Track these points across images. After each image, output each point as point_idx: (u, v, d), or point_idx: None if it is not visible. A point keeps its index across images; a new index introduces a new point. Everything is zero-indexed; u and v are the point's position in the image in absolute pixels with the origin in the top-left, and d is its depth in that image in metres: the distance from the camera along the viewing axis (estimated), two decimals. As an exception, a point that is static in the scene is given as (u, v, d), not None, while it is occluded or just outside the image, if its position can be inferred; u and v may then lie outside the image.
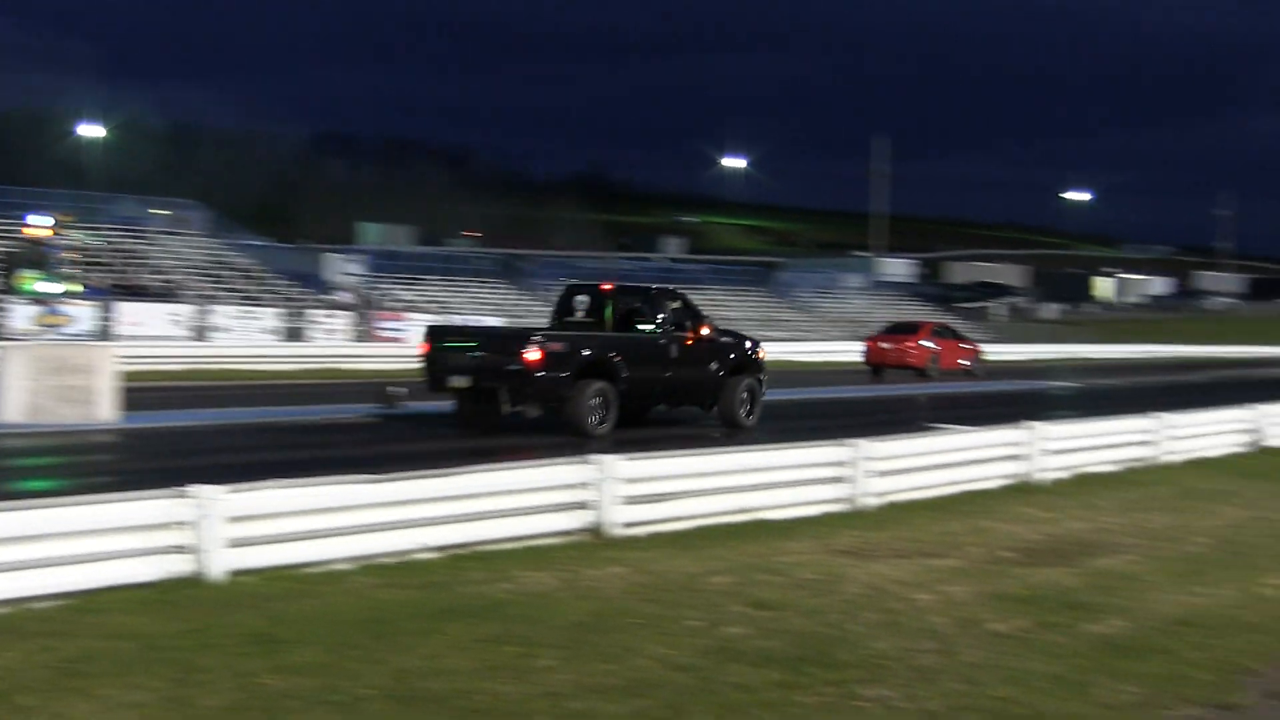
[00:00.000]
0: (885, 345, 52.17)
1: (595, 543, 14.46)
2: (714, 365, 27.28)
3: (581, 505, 14.82)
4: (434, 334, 26.46)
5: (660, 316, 26.84)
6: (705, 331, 27.29)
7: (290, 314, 54.17)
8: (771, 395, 29.49)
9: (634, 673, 9.41)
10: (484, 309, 64.57)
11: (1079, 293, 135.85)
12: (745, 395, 27.68)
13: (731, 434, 26.61)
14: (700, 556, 13.74)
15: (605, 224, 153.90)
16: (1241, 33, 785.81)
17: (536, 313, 66.29)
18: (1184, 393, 43.56)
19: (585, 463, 14.93)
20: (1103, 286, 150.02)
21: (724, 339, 28.07)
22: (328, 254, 68.61)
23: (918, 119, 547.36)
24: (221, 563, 11.82)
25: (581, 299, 27.58)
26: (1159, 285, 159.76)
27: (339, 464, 16.34)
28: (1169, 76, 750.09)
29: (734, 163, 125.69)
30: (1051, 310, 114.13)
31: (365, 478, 13.35)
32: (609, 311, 27.05)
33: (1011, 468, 20.81)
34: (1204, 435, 26.18)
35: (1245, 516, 18.20)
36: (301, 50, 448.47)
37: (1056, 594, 12.58)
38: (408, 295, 64.55)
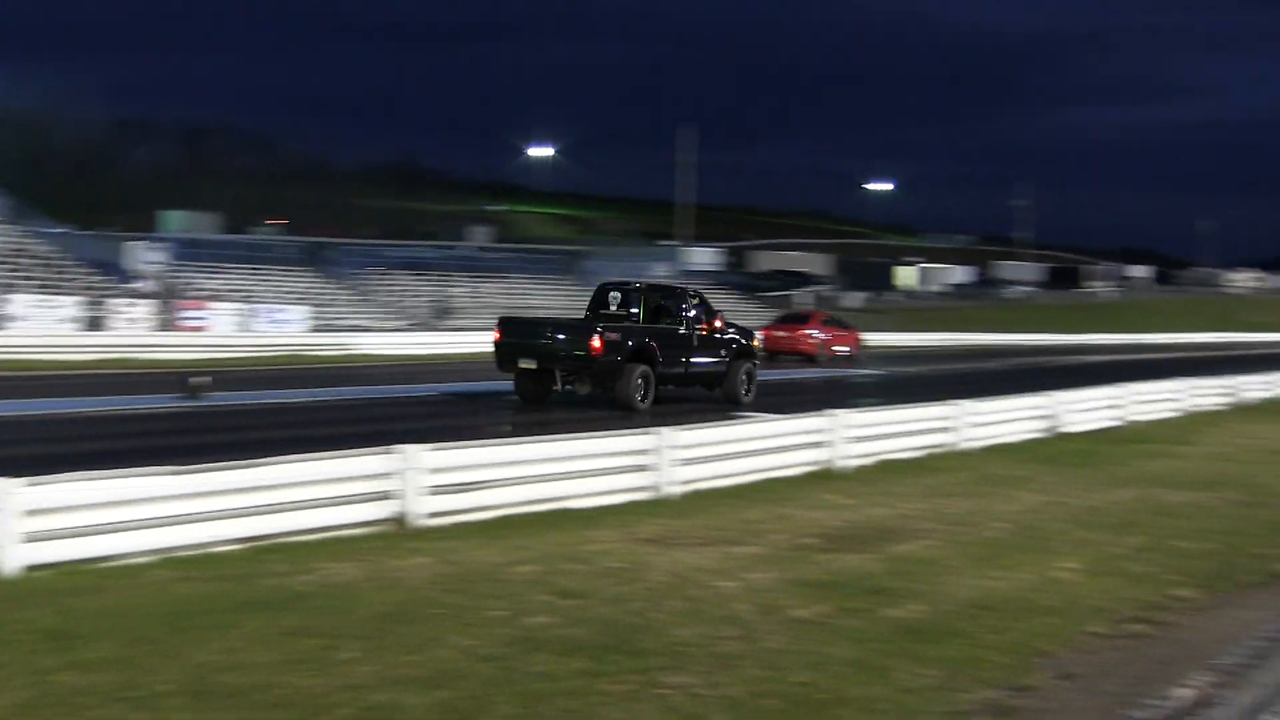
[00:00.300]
0: (780, 334, 56.93)
1: (400, 533, 14.37)
2: (723, 352, 32.24)
3: (385, 495, 14.72)
4: (506, 324, 30.91)
5: (683, 311, 31.51)
6: (717, 324, 32.13)
7: (91, 303, 53.00)
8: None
9: (437, 664, 9.36)
10: (288, 297, 63.75)
11: (882, 281, 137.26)
12: (744, 377, 32.70)
13: (731, 409, 30.38)
14: (505, 546, 13.71)
15: (413, 212, 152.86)
16: (1041, 27, 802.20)
17: (342, 301, 65.75)
18: (984, 380, 44.48)
19: (389, 453, 14.83)
20: (905, 275, 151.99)
21: (730, 331, 32.76)
22: (129, 242, 67.16)
23: (725, 109, 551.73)
24: (16, 558, 11.55)
25: (615, 295, 32.18)
26: (960, 274, 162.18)
27: (139, 455, 16.02)
28: (971, 69, 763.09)
29: (541, 151, 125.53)
30: (855, 299, 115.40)
31: (165, 469, 13.10)
32: (641, 307, 31.66)
33: (814, 455, 21.06)
34: (1003, 422, 26.71)
35: (1041, 501, 18.59)
36: (101, 32, 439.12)
37: (857, 580, 12.74)
38: (211, 284, 63.54)
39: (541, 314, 54.42)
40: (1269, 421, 33.06)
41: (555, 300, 73.47)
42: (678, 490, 17.85)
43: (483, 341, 33.87)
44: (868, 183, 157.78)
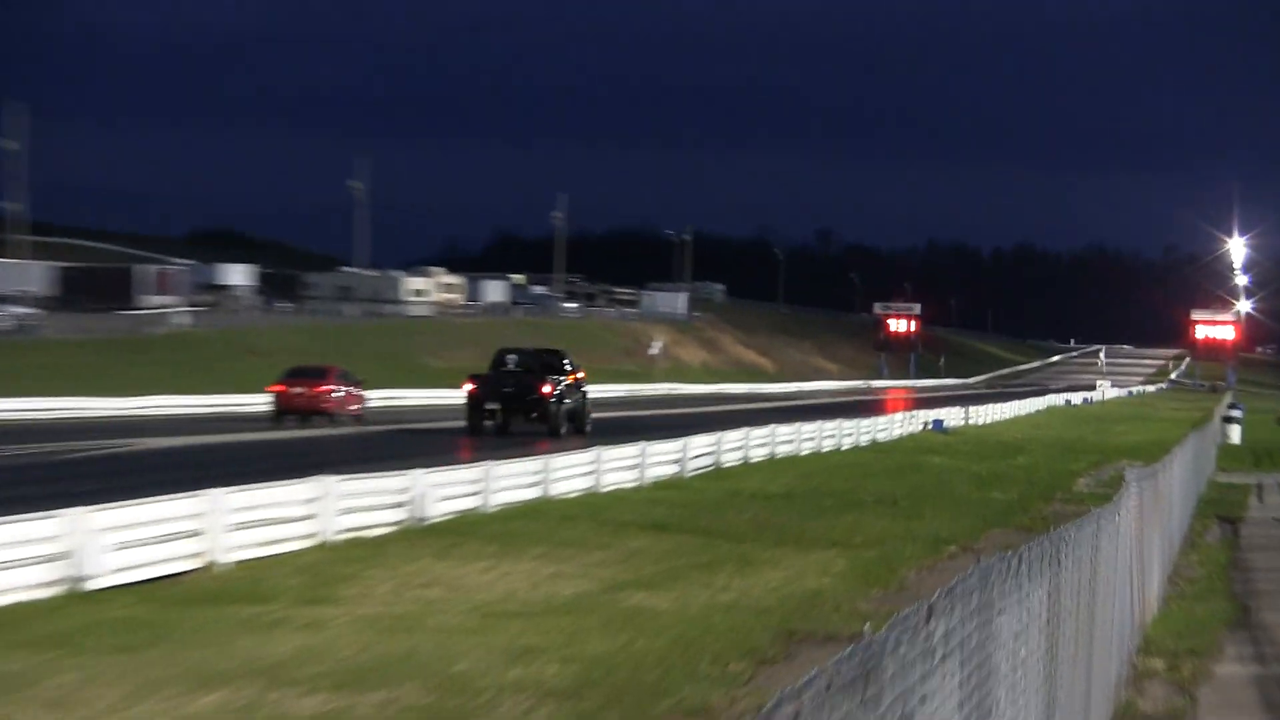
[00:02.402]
0: (297, 390, 59.79)
1: None
2: (580, 397, 58.53)
3: None
4: (476, 378, 56.86)
5: (565, 365, 57.13)
6: (579, 376, 58.15)
7: None
8: None
9: None
10: None
11: None
12: (589, 417, 59.72)
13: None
14: None
15: None
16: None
17: None
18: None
19: None
20: None
21: (581, 381, 59.07)
22: None
23: None
24: None
25: (512, 357, 57.61)
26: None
27: None
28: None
29: None
30: None
31: None
32: (535, 364, 56.95)
33: None
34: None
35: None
36: None
37: None
38: None
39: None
40: (464, 556, 24.95)
41: None
42: None
43: None
44: None
